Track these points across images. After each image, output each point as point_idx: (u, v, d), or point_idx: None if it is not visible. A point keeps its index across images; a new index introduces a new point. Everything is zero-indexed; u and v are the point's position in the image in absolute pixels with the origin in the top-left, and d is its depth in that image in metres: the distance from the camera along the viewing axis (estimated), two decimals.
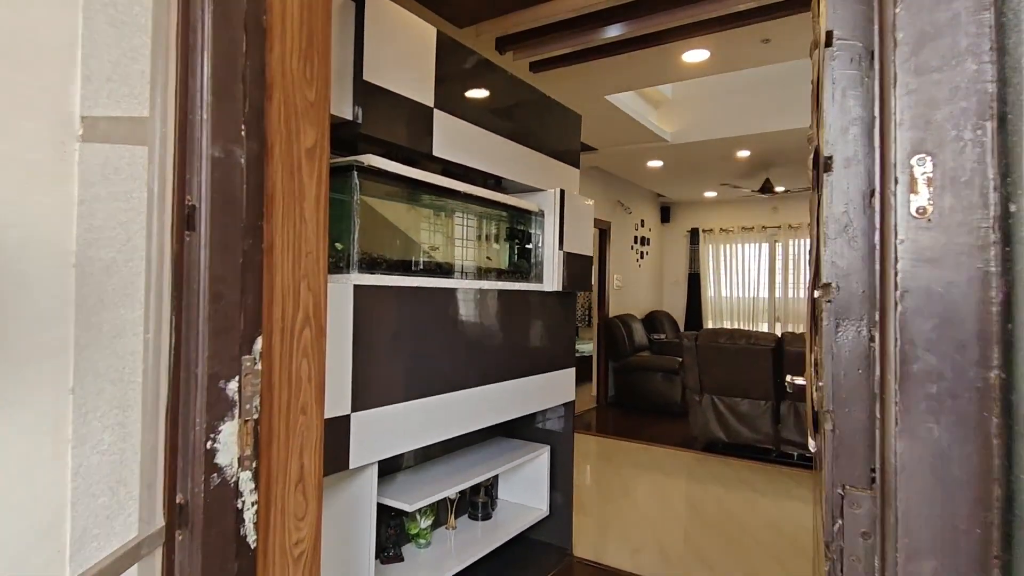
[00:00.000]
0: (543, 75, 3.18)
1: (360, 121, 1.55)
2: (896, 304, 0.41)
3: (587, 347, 6.27)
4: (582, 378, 6.02)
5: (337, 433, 1.46)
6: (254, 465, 0.98)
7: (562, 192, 2.32)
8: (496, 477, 2.56)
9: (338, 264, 1.58)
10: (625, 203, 6.89)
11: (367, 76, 1.54)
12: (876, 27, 0.48)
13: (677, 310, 8.36)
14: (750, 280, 8.08)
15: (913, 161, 0.43)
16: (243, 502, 0.96)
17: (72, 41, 0.88)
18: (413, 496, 1.81)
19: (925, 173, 0.43)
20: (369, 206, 1.68)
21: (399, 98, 1.65)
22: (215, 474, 0.92)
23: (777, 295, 7.93)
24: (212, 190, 0.91)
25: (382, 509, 1.85)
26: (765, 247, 7.97)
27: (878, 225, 0.43)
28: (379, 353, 1.58)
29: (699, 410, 4.62)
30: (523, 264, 2.35)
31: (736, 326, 8.09)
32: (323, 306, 1.14)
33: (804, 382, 1.34)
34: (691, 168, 5.97)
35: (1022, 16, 0.42)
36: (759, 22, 2.68)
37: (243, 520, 0.96)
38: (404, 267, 1.79)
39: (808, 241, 7.20)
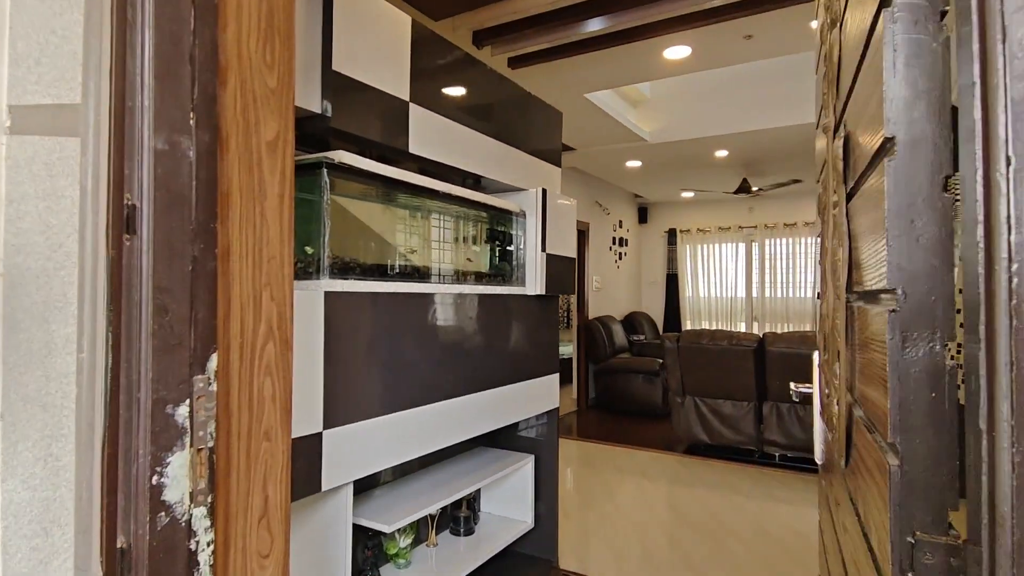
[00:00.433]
0: (522, 71, 3.09)
1: (330, 115, 1.44)
2: (1011, 316, 0.32)
3: (567, 350, 6.20)
4: (563, 381, 5.94)
5: (307, 453, 1.35)
6: (210, 500, 0.86)
7: (544, 191, 2.23)
8: (479, 489, 2.45)
9: (307, 269, 1.46)
10: (603, 204, 6.84)
11: (337, 66, 1.43)
12: None
13: (656, 311, 8.34)
14: (727, 280, 8.11)
15: None
16: (197, 543, 0.84)
17: None
18: (391, 515, 1.70)
19: None
20: (341, 206, 1.57)
21: (372, 91, 1.54)
22: (162, 513, 0.80)
23: (754, 295, 7.96)
24: (155, 187, 0.80)
25: (358, 529, 1.73)
26: (742, 247, 8.00)
27: (982, 218, 0.34)
28: (353, 365, 1.47)
29: (682, 412, 4.57)
30: (504, 267, 2.25)
31: (714, 326, 8.11)
32: (289, 317, 1.02)
33: (809, 390, 1.26)
34: (669, 168, 5.94)
35: None
36: (741, 17, 2.62)
37: (197, 563, 0.84)
38: (379, 272, 1.68)
39: (786, 241, 7.23)
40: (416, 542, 2.07)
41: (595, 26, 2.60)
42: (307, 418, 1.34)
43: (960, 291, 0.41)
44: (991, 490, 0.34)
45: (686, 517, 3.48)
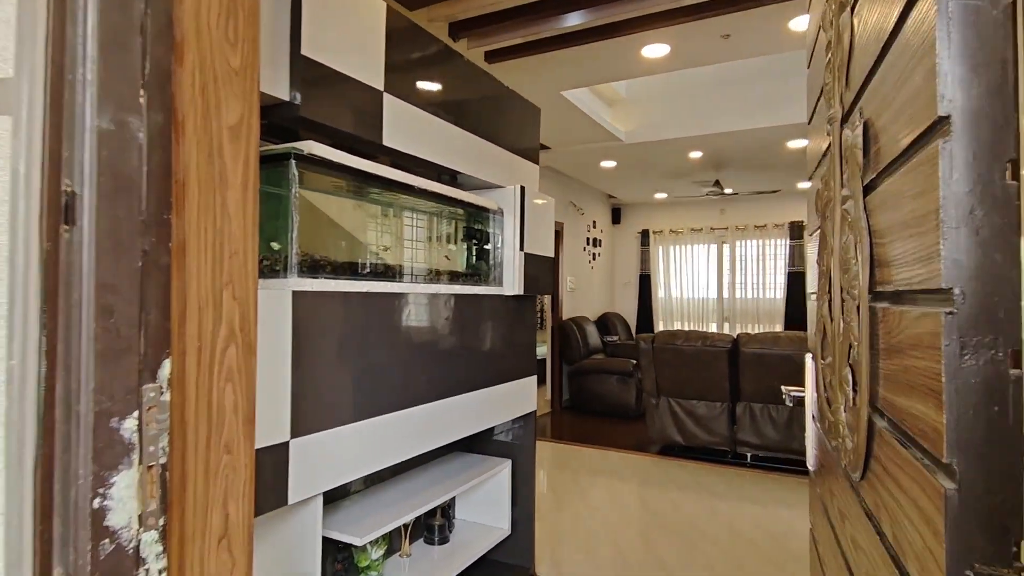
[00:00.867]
0: (498, 66, 3.03)
1: (298, 103, 1.35)
2: None
3: (541, 350, 6.15)
4: (537, 382, 5.89)
5: (273, 464, 1.26)
6: (162, 522, 0.77)
7: (523, 189, 2.17)
8: (454, 497, 2.37)
9: (273, 267, 1.37)
10: (577, 204, 6.82)
11: (306, 51, 1.34)
12: None
13: (629, 311, 8.36)
14: (699, 281, 8.18)
15: None
16: (147, 571, 0.75)
17: None
18: (363, 527, 1.61)
19: None
20: (310, 201, 1.48)
21: (344, 79, 1.46)
22: (106, 540, 0.71)
23: (725, 295, 8.04)
24: (99, 172, 0.71)
25: (327, 542, 1.64)
26: (713, 248, 8.08)
27: None
28: (323, 369, 1.38)
29: (656, 413, 4.56)
30: (482, 266, 2.18)
31: (686, 327, 8.16)
32: (253, 318, 0.94)
33: (802, 393, 1.22)
34: (643, 169, 5.94)
35: None
36: (719, 15, 2.61)
37: None
38: (351, 270, 1.59)
39: (756, 243, 7.31)
40: (388, 552, 1.98)
41: (574, 20, 2.55)
42: (273, 427, 1.25)
43: None
44: None
45: (660, 519, 3.46)
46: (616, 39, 2.79)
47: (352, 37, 1.47)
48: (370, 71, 1.54)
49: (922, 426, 0.44)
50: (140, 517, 0.74)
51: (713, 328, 8.05)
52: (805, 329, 7.65)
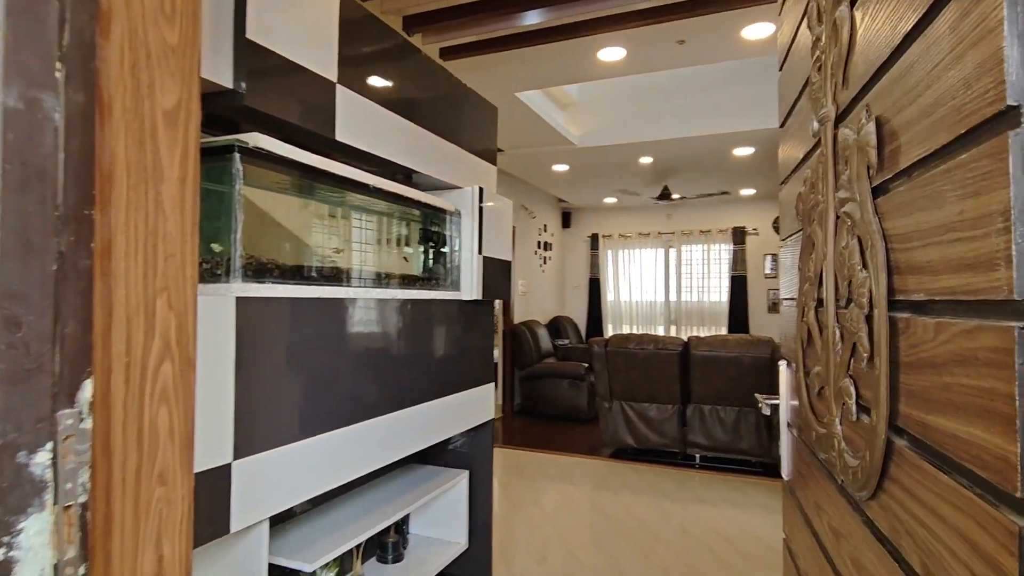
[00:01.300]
0: (453, 64, 2.94)
1: (243, 91, 1.23)
2: None
3: (494, 354, 6.08)
4: None
5: (213, 490, 1.13)
6: (82, 571, 0.66)
7: (481, 190, 2.10)
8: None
9: (214, 271, 1.25)
10: (529, 208, 6.79)
11: (252, 35, 1.23)
12: None
13: (579, 315, 8.41)
14: (647, 284, 8.31)
15: None
16: None
17: None
18: (313, 551, 1.50)
19: None
20: (256, 199, 1.36)
21: (294, 67, 1.35)
22: None
23: (672, 299, 8.20)
24: (4, 159, 0.59)
25: (274, 569, 1.51)
26: (660, 252, 8.23)
27: None
28: (269, 383, 1.27)
29: (609, 416, 4.57)
30: (438, 270, 2.09)
31: (635, 330, 8.27)
32: (191, 329, 0.83)
33: (777, 401, 1.20)
34: (595, 173, 5.97)
35: None
36: (675, 20, 2.62)
37: None
38: (301, 274, 1.48)
39: (702, 247, 7.48)
40: (340, 574, 1.86)
41: (531, 19, 2.50)
42: (213, 448, 1.13)
43: None
44: None
45: (615, 523, 3.45)
46: (573, 40, 2.77)
47: (302, 23, 1.37)
48: (322, 61, 1.44)
49: (977, 453, 0.40)
50: (56, 568, 0.63)
51: (660, 331, 8.19)
52: (748, 331, 7.83)
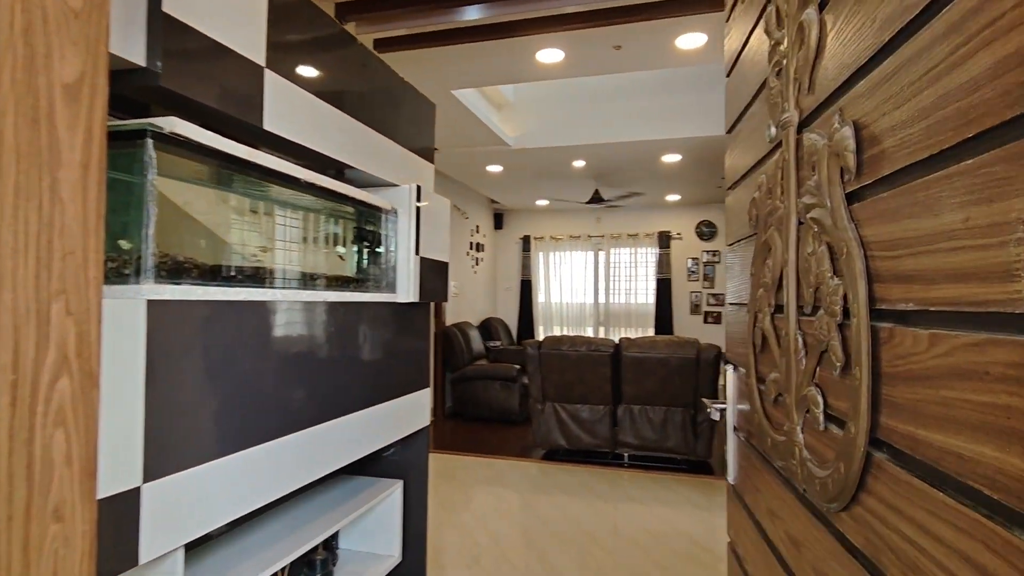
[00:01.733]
0: (387, 56, 2.84)
1: (158, 70, 1.10)
2: None
3: None
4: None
5: (119, 517, 1.00)
6: None
7: (419, 189, 2.02)
8: None
9: (122, 271, 1.11)
10: (461, 208, 6.72)
11: (169, 7, 1.10)
12: None
13: (511, 316, 8.41)
14: (577, 286, 8.42)
15: None
16: None
17: None
18: None
19: None
20: (173, 191, 1.23)
21: (217, 47, 1.23)
22: None
23: (601, 301, 8.36)
24: None
25: None
26: (590, 255, 8.37)
27: None
28: (185, 395, 1.14)
29: (541, 418, 4.57)
30: (373, 271, 1.99)
31: (565, 331, 8.37)
32: (95, 337, 0.72)
33: (724, 406, 1.20)
34: (528, 175, 5.98)
35: None
36: (612, 25, 2.64)
37: None
38: (222, 275, 1.35)
39: (629, 251, 7.67)
40: None
41: (469, 15, 2.44)
42: (119, 470, 1.00)
43: None
44: None
45: (549, 526, 3.44)
46: (511, 40, 2.73)
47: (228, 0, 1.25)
48: (249, 42, 1.32)
49: (986, 472, 0.38)
50: None
51: (590, 332, 8.33)
52: (672, 332, 8.09)
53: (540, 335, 8.34)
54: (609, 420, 4.45)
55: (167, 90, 1.13)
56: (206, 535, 1.56)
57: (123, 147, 1.14)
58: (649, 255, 8.21)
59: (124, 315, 1.01)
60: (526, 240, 8.43)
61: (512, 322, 8.36)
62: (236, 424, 1.27)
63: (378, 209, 1.96)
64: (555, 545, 3.18)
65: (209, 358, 1.20)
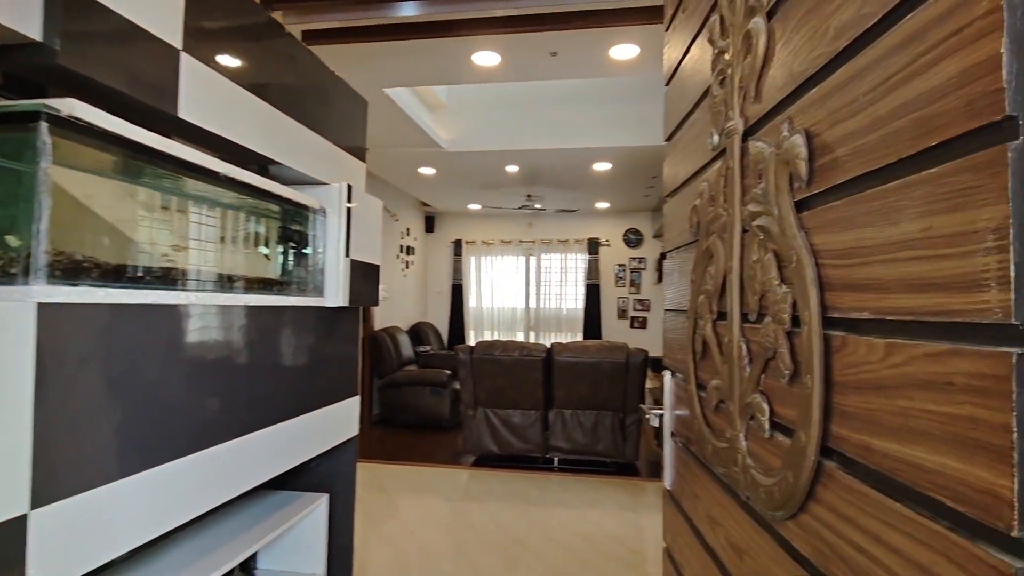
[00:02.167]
0: (316, 50, 2.72)
1: (56, 47, 0.99)
2: None
3: None
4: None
5: (2, 549, 0.88)
6: None
7: (350, 188, 1.93)
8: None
9: (8, 270, 0.98)
10: (391, 210, 6.58)
11: None
12: None
13: (441, 321, 8.31)
14: (508, 291, 8.44)
15: None
16: None
17: None
18: None
19: None
20: (70, 182, 1.10)
21: (125, 25, 1.12)
22: None
23: (532, 306, 8.41)
24: None
25: None
26: (521, 260, 8.41)
27: None
28: (83, 409, 1.02)
29: (472, 424, 4.52)
30: (299, 273, 1.89)
31: (496, 336, 8.36)
32: None
33: (663, 411, 1.21)
34: (461, 178, 5.93)
35: None
36: (548, 30, 2.65)
37: None
38: (127, 276, 1.23)
39: (559, 256, 7.78)
40: None
41: (404, 11, 2.38)
42: (1, 496, 0.88)
43: None
44: None
45: (480, 534, 3.40)
46: (447, 40, 2.69)
47: None
48: (164, 22, 1.21)
49: (948, 484, 0.37)
50: None
51: (521, 337, 8.36)
52: (601, 337, 8.26)
53: (471, 340, 8.28)
54: (540, 425, 4.47)
55: (67, 69, 1.02)
56: (107, 563, 1.41)
57: (12, 131, 1.01)
58: (579, 261, 8.35)
59: (9, 319, 0.89)
60: (458, 244, 8.36)
61: (443, 327, 8.27)
62: (142, 440, 1.15)
63: (305, 208, 1.86)
64: (486, 553, 3.14)
65: (112, 367, 1.08)
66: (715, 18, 0.86)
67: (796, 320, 0.59)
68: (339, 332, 2.05)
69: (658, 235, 7.45)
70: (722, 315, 0.82)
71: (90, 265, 1.12)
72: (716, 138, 0.84)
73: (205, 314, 1.36)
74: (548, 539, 3.33)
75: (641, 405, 1.27)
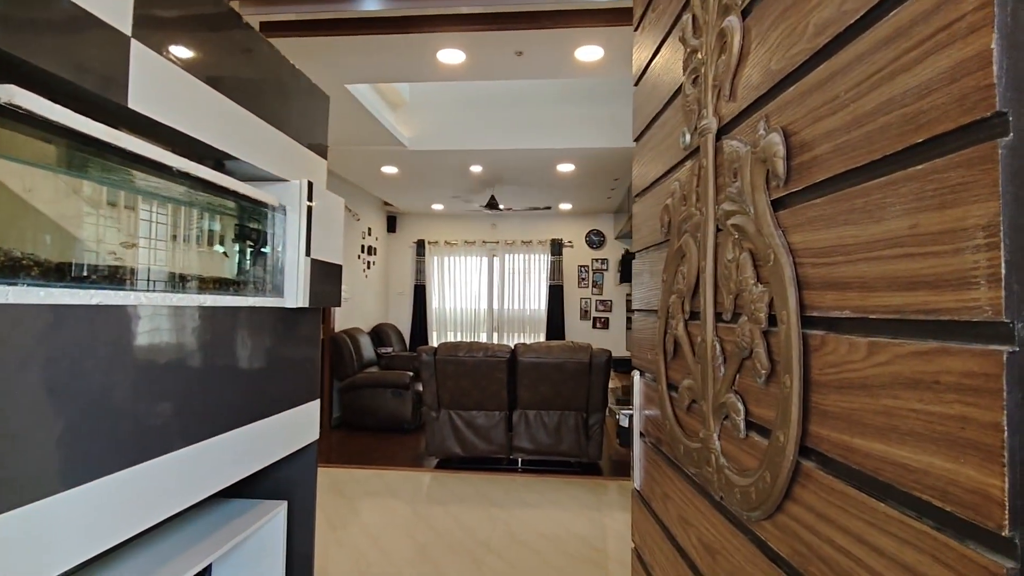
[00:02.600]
0: (275, 42, 2.64)
1: None
2: None
3: None
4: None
5: None
6: None
7: (311, 185, 1.88)
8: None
9: None
10: (353, 209, 6.46)
11: None
12: None
13: (404, 322, 8.21)
14: (471, 292, 8.40)
15: None
16: None
17: None
18: None
19: None
20: (6, 174, 1.03)
21: (69, 6, 1.05)
22: None
23: (495, 306, 8.39)
24: None
25: None
26: (485, 261, 8.38)
27: None
28: (20, 418, 0.95)
29: (436, 426, 4.47)
30: (258, 273, 1.82)
31: (459, 337, 8.31)
32: None
33: (632, 411, 1.20)
34: (424, 178, 5.87)
35: None
36: (513, 29, 2.64)
37: None
38: (71, 275, 1.15)
39: (523, 257, 7.78)
40: None
41: (367, 5, 2.33)
42: None
43: None
44: None
45: (444, 537, 3.36)
46: (411, 36, 2.64)
47: None
48: (111, 6, 1.14)
49: (935, 483, 0.37)
50: None
51: (484, 338, 8.33)
52: (564, 337, 8.29)
53: (434, 341, 8.21)
54: (504, 426, 4.45)
55: (4, 53, 0.95)
56: None
57: None
58: (542, 262, 8.37)
59: None
60: (420, 244, 8.28)
61: (405, 328, 8.16)
62: (86, 450, 1.08)
63: (263, 205, 1.80)
64: (450, 556, 3.11)
65: (53, 372, 1.01)
66: (687, 17, 0.85)
67: (773, 319, 0.58)
68: (299, 334, 1.99)
69: (620, 236, 7.53)
70: (695, 315, 0.81)
71: (29, 263, 1.05)
72: (688, 137, 0.84)
73: (156, 315, 1.29)
74: (512, 540, 3.31)
75: (612, 406, 1.27)
